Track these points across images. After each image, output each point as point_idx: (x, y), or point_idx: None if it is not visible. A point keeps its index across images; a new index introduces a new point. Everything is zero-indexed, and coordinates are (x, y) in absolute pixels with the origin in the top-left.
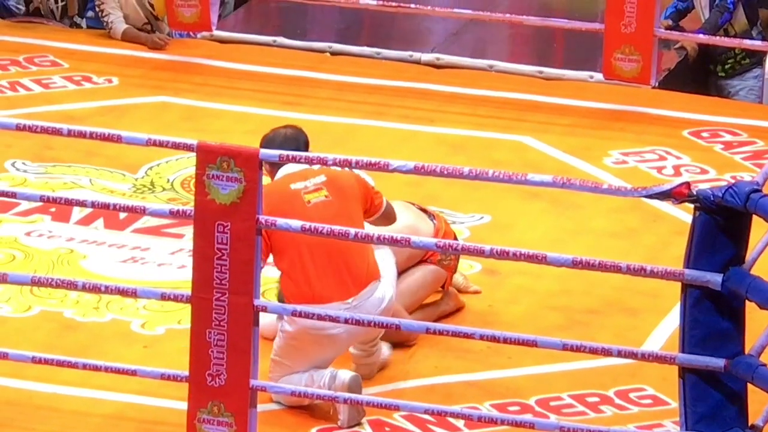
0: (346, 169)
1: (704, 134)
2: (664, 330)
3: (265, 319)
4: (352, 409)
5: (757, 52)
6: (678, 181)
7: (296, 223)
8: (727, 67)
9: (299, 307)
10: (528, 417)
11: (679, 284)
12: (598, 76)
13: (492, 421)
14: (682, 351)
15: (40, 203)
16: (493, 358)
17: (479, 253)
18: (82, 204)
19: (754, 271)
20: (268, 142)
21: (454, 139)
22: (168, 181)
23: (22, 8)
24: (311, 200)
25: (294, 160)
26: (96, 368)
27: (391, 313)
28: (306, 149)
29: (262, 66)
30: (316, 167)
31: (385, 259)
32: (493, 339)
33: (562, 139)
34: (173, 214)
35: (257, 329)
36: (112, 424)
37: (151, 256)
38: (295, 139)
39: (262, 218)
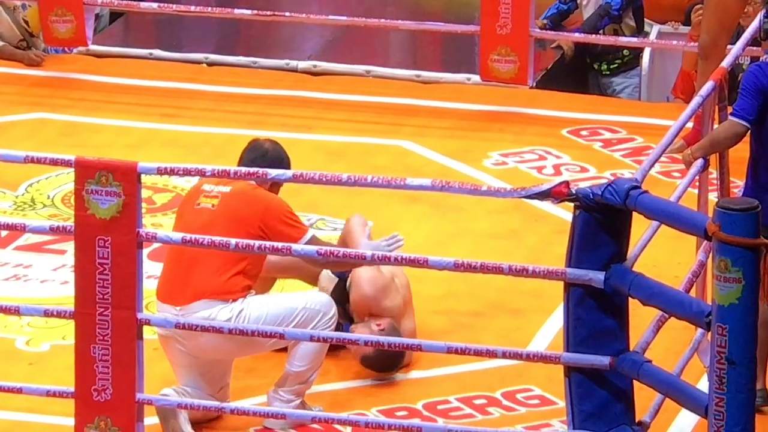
0: (264, 193)
1: (583, 132)
2: (549, 330)
3: None
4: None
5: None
6: (558, 180)
7: (176, 236)
8: (612, 66)
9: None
10: (416, 421)
11: (562, 283)
12: (476, 78)
13: (380, 427)
14: (567, 350)
15: None
16: None
17: (361, 258)
18: None
19: (635, 268)
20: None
21: (332, 146)
22: (48, 197)
23: None
24: (201, 203)
25: (171, 172)
26: None
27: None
28: (280, 165)
29: (139, 79)
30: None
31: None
32: (378, 344)
33: (442, 142)
34: (54, 230)
35: (141, 342)
36: None
37: (33, 272)
38: (261, 154)
39: (143, 231)
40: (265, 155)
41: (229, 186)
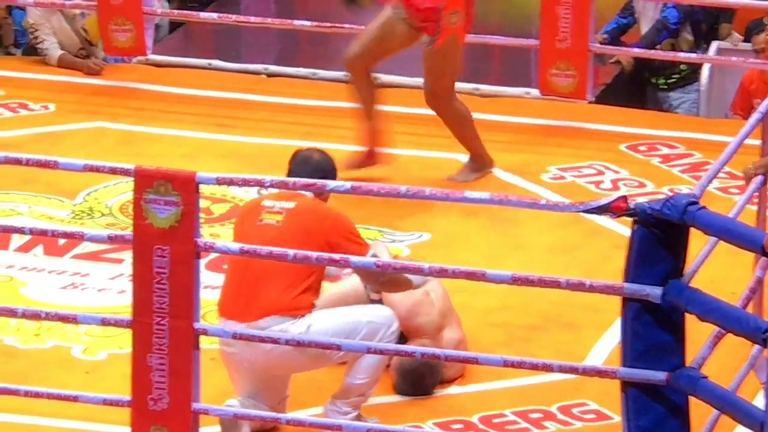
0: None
1: (641, 148)
2: (606, 344)
3: None
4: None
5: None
6: (616, 195)
7: (234, 246)
8: (670, 81)
9: (239, 329)
10: None
11: (619, 298)
12: (535, 92)
13: None
14: (623, 365)
15: None
16: None
17: (419, 271)
18: (20, 231)
19: (693, 284)
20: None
21: (391, 158)
22: (106, 206)
23: None
24: (264, 219)
25: (230, 182)
26: (38, 395)
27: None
28: (332, 175)
29: (197, 89)
30: (307, 194)
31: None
32: (435, 357)
33: (500, 155)
34: (112, 239)
35: (198, 352)
36: None
37: (90, 281)
38: (315, 167)
39: (201, 241)
40: (318, 167)
41: (293, 202)
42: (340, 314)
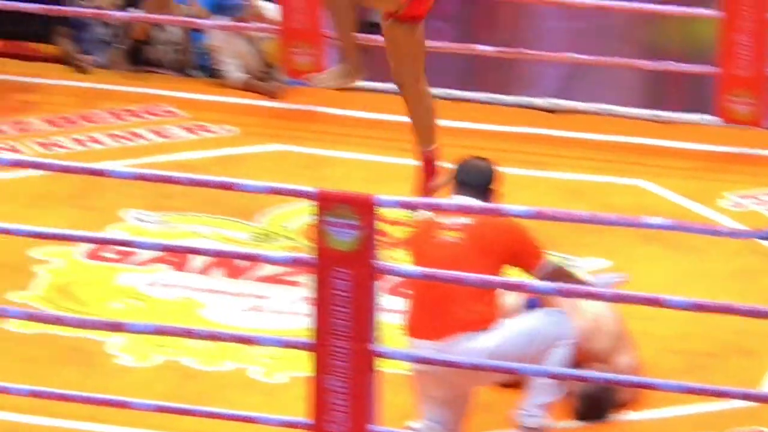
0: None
1: None
2: None
3: None
4: None
5: None
6: None
7: (413, 269)
8: None
9: (424, 350)
10: None
11: None
12: (712, 118)
13: None
14: None
15: (160, 253)
16: None
17: (599, 297)
18: (201, 253)
19: None
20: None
21: (569, 184)
22: (287, 228)
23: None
24: (442, 236)
25: (409, 206)
26: (217, 416)
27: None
28: (493, 185)
29: (379, 113)
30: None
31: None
32: (615, 383)
33: (678, 182)
34: (292, 261)
35: (377, 375)
36: None
37: (270, 304)
38: (479, 171)
39: (380, 264)
40: (486, 175)
41: (469, 217)
42: (520, 323)
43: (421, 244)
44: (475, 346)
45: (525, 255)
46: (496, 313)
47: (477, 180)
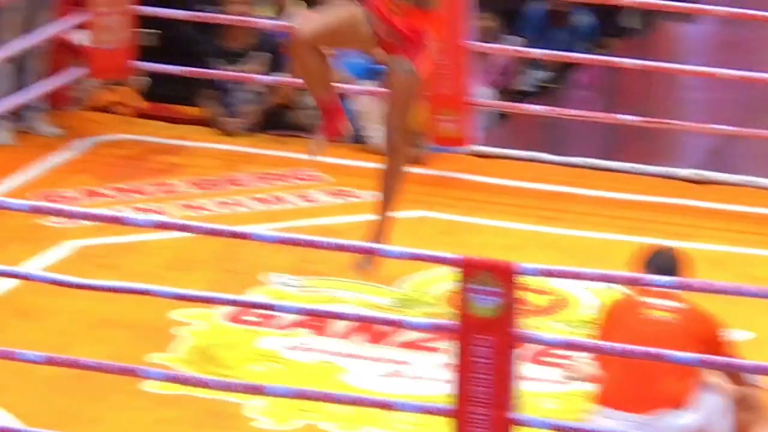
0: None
1: None
2: None
3: None
4: None
5: None
6: None
7: (551, 337)
8: None
9: (562, 422)
10: None
11: None
12: None
13: None
14: None
15: (301, 316)
16: None
17: (742, 369)
18: (342, 317)
19: None
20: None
21: (712, 255)
22: (428, 294)
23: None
24: (649, 314)
25: (550, 274)
26: None
27: None
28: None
29: (521, 180)
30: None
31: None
32: None
33: None
34: (433, 327)
35: None
36: None
37: (410, 369)
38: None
39: (521, 332)
40: (680, 267)
41: (677, 301)
42: (719, 403)
43: (621, 321)
44: (678, 422)
45: (723, 349)
46: (698, 392)
47: (669, 270)
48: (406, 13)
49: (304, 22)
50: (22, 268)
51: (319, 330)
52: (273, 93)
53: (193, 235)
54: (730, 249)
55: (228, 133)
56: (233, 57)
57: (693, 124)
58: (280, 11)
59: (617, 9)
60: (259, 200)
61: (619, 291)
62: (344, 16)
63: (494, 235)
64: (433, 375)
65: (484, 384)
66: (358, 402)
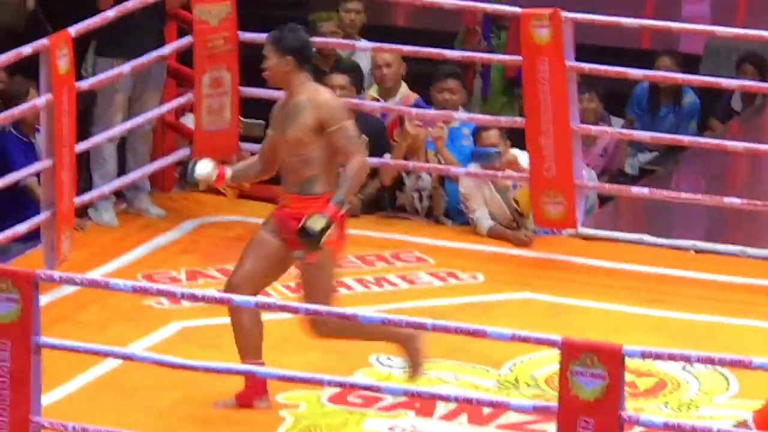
0: None
1: None
2: None
3: None
4: None
5: None
6: None
7: (655, 420)
8: None
9: None
10: None
11: None
12: None
13: None
14: None
15: (405, 398)
16: None
17: None
18: (446, 399)
19: None
20: None
21: None
22: (532, 377)
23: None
24: None
25: (656, 357)
26: None
27: None
28: None
29: (626, 263)
30: None
31: None
32: None
33: None
34: (537, 410)
35: None
36: None
37: None
38: None
39: (626, 414)
40: None
41: None
42: None
43: None
44: None
45: None
46: None
47: None
48: (294, 202)
49: (238, 277)
50: (127, 348)
51: (424, 411)
52: (375, 175)
53: (298, 316)
54: None
55: None
56: None
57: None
58: (385, 94)
59: (723, 90)
60: (364, 282)
61: (723, 374)
62: (263, 254)
63: (599, 317)
64: None
65: None
66: None
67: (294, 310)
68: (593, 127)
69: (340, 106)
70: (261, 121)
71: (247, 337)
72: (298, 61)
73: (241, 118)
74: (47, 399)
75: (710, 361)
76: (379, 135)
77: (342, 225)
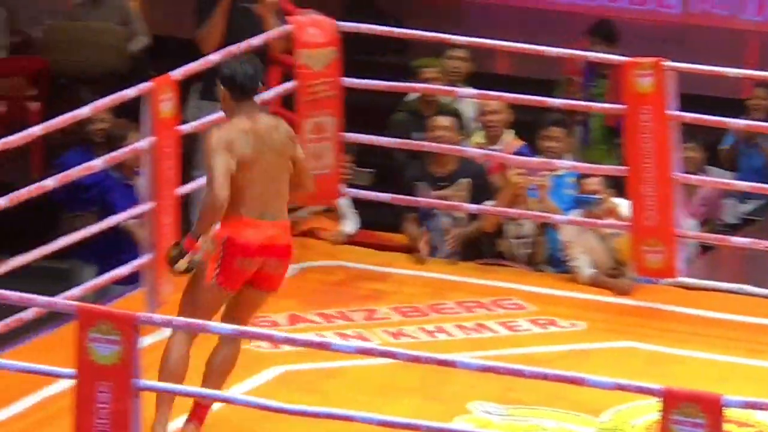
0: None
1: None
2: None
3: None
4: None
5: None
6: None
7: None
8: None
9: None
10: None
11: None
12: None
13: None
14: None
15: None
16: None
17: None
18: None
19: None
20: None
21: None
22: (632, 425)
23: None
24: None
25: (755, 407)
26: None
27: None
28: None
29: (727, 313)
30: None
31: None
32: None
33: None
34: None
35: None
36: None
37: None
38: None
39: None
40: None
41: None
42: None
43: None
44: None
45: None
46: None
47: None
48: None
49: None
50: (227, 392)
51: None
52: (475, 220)
53: (398, 361)
54: None
55: (421, 261)
56: (439, 182)
57: None
58: (490, 141)
59: None
60: (463, 328)
61: None
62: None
63: (700, 366)
64: None
65: None
66: None
67: (394, 356)
68: (694, 177)
69: (212, 142)
70: (371, 170)
71: (172, 373)
72: (230, 91)
73: (354, 166)
74: None
75: None
76: (480, 180)
77: (229, 251)
